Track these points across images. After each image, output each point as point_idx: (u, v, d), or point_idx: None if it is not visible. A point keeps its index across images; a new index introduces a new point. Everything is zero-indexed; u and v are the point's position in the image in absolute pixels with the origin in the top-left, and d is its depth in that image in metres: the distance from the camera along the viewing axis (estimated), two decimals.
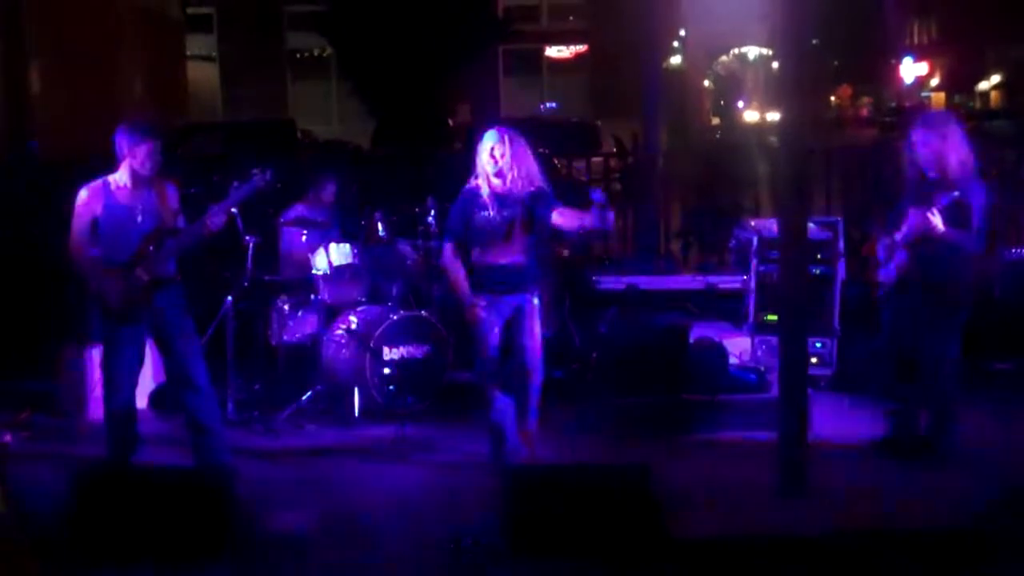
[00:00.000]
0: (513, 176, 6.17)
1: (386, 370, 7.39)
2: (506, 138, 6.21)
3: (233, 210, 6.67)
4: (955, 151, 6.35)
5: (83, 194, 6.14)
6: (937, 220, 6.19)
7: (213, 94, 33.52)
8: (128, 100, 15.78)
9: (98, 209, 6.09)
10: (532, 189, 6.21)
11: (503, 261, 6.21)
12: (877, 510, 5.54)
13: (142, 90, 16.86)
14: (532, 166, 6.26)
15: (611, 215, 6.08)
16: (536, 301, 6.34)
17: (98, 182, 6.16)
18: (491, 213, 6.19)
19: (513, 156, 6.18)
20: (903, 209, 6.44)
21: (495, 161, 6.17)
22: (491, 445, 6.34)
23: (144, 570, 5.04)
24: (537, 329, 6.36)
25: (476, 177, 6.28)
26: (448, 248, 6.36)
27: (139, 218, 6.11)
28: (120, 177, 6.14)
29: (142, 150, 6.07)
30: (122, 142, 6.10)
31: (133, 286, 6.05)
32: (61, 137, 13.01)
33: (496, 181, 6.19)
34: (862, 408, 7.62)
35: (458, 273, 6.28)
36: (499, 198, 6.19)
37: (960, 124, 6.57)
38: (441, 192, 8.60)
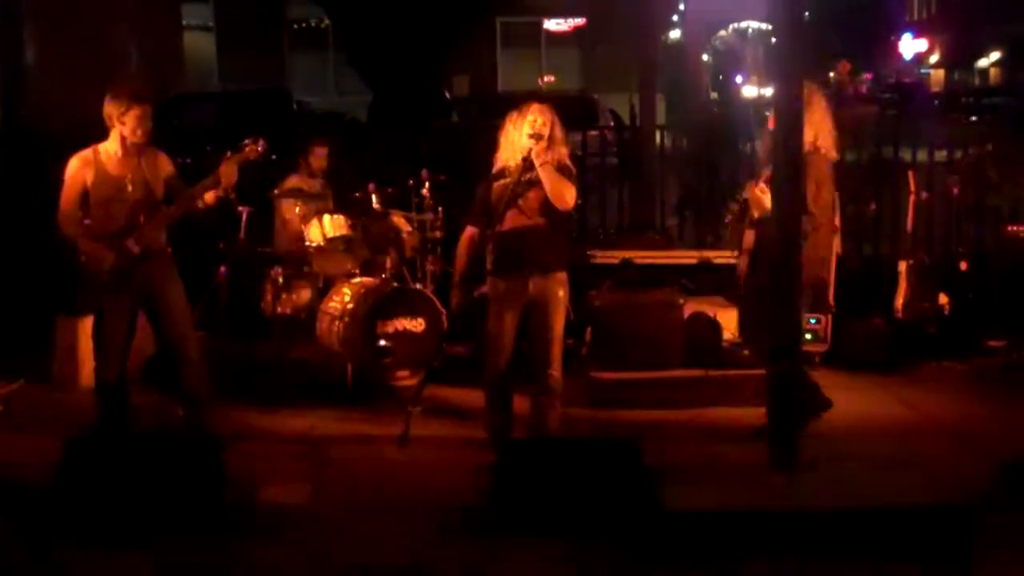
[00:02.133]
0: (544, 146, 5.91)
1: (380, 343, 7.37)
2: (547, 109, 6.00)
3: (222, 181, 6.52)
4: (810, 124, 6.23)
5: (73, 163, 6.07)
6: (765, 198, 6.17)
7: (210, 64, 33.35)
8: (124, 69, 15.66)
9: (88, 178, 6.02)
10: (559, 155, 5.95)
11: (522, 224, 5.94)
12: (868, 485, 5.52)
13: (138, 59, 16.70)
14: (562, 144, 6.03)
15: None
16: (562, 293, 5.99)
17: (88, 150, 6.08)
18: (512, 178, 5.92)
19: (552, 126, 5.95)
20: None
21: (533, 126, 5.90)
22: (487, 419, 6.23)
23: (135, 541, 5.04)
24: (558, 327, 5.98)
25: (500, 159, 6.05)
26: (466, 231, 6.13)
27: (129, 187, 6.04)
28: (110, 146, 6.07)
29: (131, 116, 5.98)
30: (111, 109, 6.01)
31: (123, 257, 6.01)
32: (56, 107, 12.91)
33: (528, 143, 5.89)
34: (856, 384, 7.65)
35: (463, 255, 6.10)
36: (527, 163, 5.91)
37: (827, 98, 6.56)
38: (436, 164, 8.59)
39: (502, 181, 6.01)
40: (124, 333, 6.15)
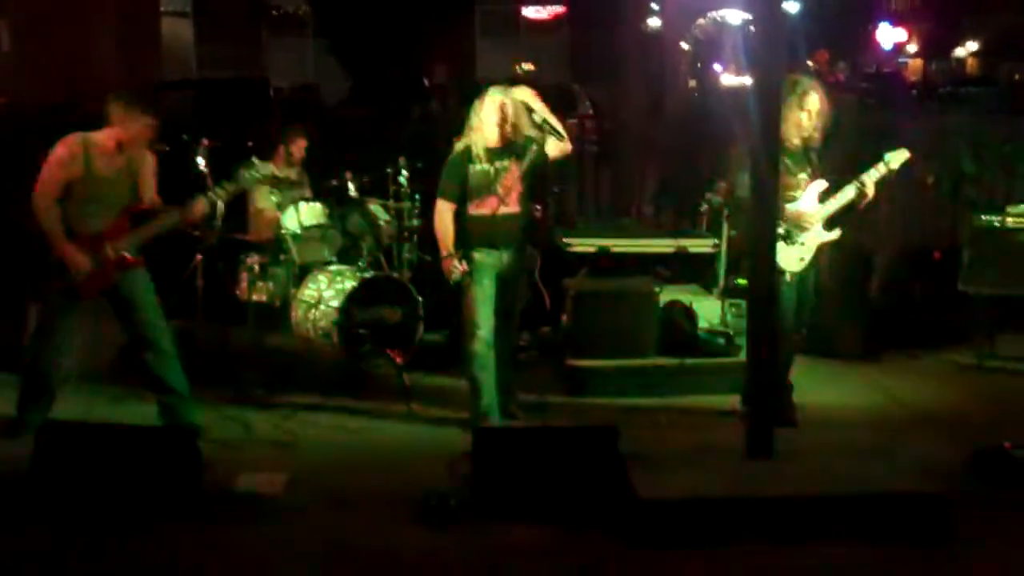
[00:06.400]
0: (510, 129, 6.25)
1: (356, 331, 7.36)
2: (509, 92, 6.29)
3: (218, 202, 6.26)
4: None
5: (61, 149, 5.77)
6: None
7: (187, 51, 33.15)
8: (100, 56, 15.56)
9: (74, 171, 5.77)
10: (522, 140, 6.28)
11: (498, 212, 6.20)
12: (844, 472, 5.55)
13: (114, 46, 16.61)
14: (524, 119, 6.30)
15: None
16: (526, 264, 6.56)
17: (78, 138, 5.79)
18: (487, 166, 6.24)
19: (514, 110, 6.27)
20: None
21: (501, 114, 6.23)
22: (471, 400, 6.33)
23: (112, 530, 5.02)
24: (522, 290, 6.60)
25: (466, 135, 6.31)
26: (440, 205, 6.32)
27: (116, 190, 5.88)
28: (104, 140, 5.84)
29: (138, 126, 5.83)
30: (118, 111, 5.81)
31: (99, 262, 5.86)
32: (30, 93, 12.82)
33: (494, 132, 6.24)
34: (832, 373, 7.69)
35: (446, 228, 6.27)
36: (495, 151, 6.25)
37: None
38: (414, 151, 8.56)
39: (479, 167, 6.24)
40: (75, 330, 6.07)
